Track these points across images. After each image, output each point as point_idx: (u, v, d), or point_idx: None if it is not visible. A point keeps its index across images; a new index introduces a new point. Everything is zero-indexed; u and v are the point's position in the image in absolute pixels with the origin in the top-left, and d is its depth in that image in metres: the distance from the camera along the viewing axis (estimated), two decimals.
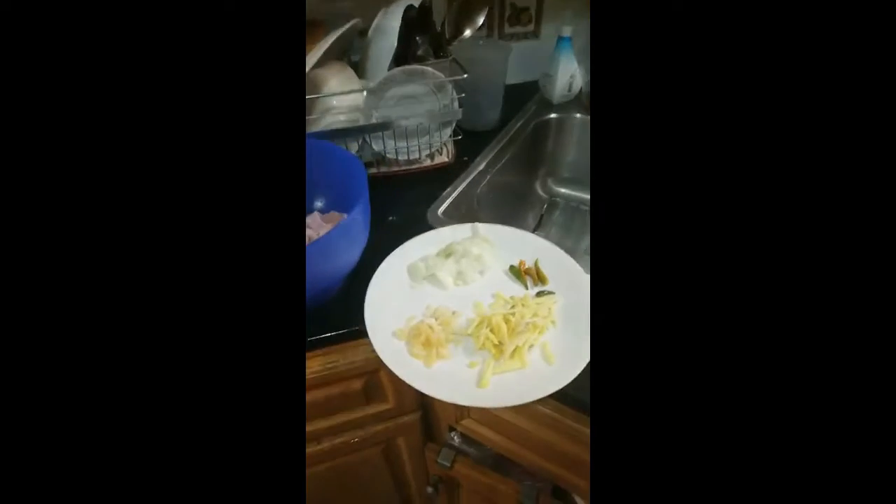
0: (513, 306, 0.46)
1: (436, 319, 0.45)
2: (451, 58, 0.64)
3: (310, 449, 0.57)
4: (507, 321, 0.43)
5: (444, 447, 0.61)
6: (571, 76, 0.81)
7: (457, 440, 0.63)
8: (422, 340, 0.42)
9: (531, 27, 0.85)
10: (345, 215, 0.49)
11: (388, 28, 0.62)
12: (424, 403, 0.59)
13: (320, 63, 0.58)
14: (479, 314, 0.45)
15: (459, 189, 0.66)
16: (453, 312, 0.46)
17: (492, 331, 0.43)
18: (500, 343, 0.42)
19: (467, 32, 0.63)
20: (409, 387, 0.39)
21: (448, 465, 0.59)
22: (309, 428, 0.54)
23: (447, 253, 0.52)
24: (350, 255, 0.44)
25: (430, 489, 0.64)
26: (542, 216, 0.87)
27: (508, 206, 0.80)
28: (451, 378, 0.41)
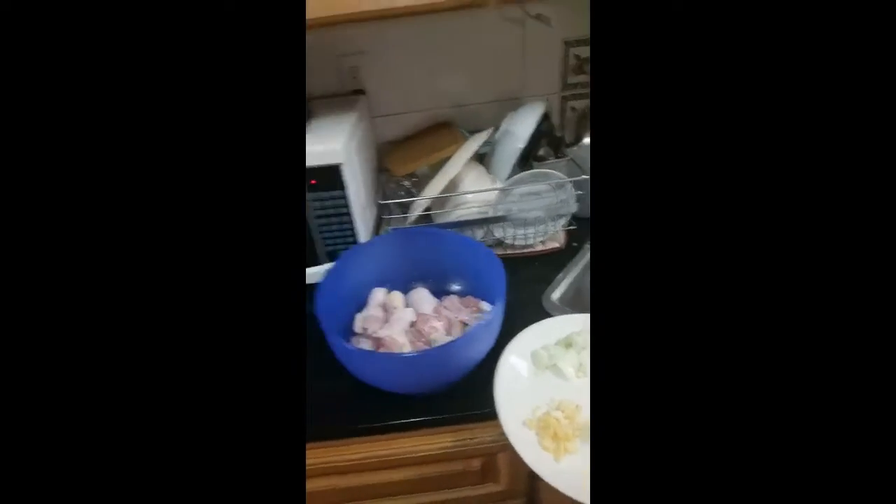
0: None
1: (562, 412, 0.47)
2: (568, 158, 0.71)
3: None
4: None
5: None
6: None
7: None
8: (551, 433, 0.45)
9: None
10: (480, 301, 0.55)
11: (516, 132, 0.71)
12: (532, 489, 0.60)
13: None
14: None
15: (572, 276, 0.70)
16: (577, 406, 0.48)
17: None
18: None
19: (586, 140, 0.70)
20: (523, 472, 0.40)
21: None
22: (416, 501, 0.57)
23: (567, 343, 0.55)
24: (487, 343, 0.49)
25: None
26: None
27: None
28: (580, 476, 0.42)
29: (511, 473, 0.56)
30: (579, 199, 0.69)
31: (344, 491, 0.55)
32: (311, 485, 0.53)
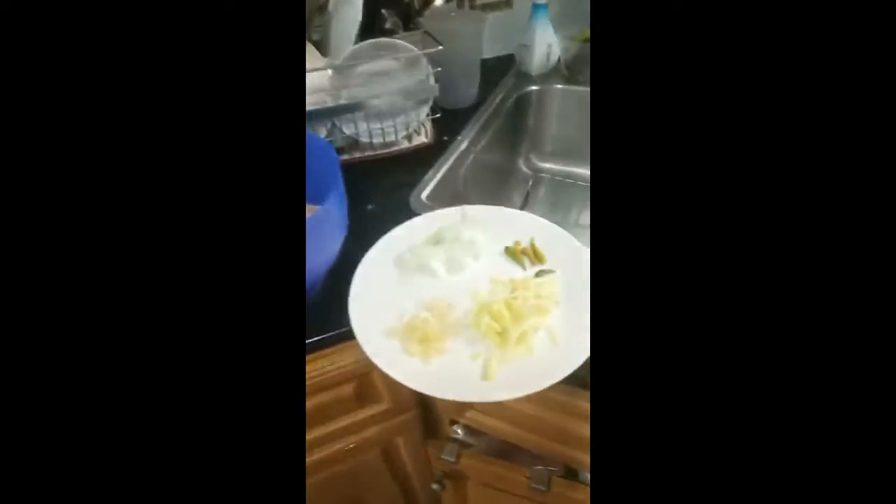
0: (513, 289, 0.43)
1: (430, 312, 0.41)
2: (422, 30, 0.60)
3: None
4: (509, 306, 0.40)
5: (449, 442, 0.58)
6: (549, 45, 0.77)
7: (460, 433, 0.60)
8: (418, 337, 0.39)
9: None
10: (318, 207, 0.44)
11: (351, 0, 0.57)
12: (422, 400, 0.56)
13: None
14: (478, 302, 0.42)
15: (443, 171, 0.62)
16: (449, 304, 0.43)
17: (493, 318, 0.40)
18: (504, 330, 0.39)
19: (438, 1, 0.59)
20: (405, 385, 0.35)
21: (453, 459, 0.57)
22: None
23: (436, 240, 0.48)
24: (327, 251, 0.40)
25: (435, 486, 0.61)
26: (528, 193, 0.84)
27: (493, 186, 0.77)
28: (453, 373, 0.37)
29: (392, 390, 0.50)
30: (438, 77, 0.59)
31: None
32: None
